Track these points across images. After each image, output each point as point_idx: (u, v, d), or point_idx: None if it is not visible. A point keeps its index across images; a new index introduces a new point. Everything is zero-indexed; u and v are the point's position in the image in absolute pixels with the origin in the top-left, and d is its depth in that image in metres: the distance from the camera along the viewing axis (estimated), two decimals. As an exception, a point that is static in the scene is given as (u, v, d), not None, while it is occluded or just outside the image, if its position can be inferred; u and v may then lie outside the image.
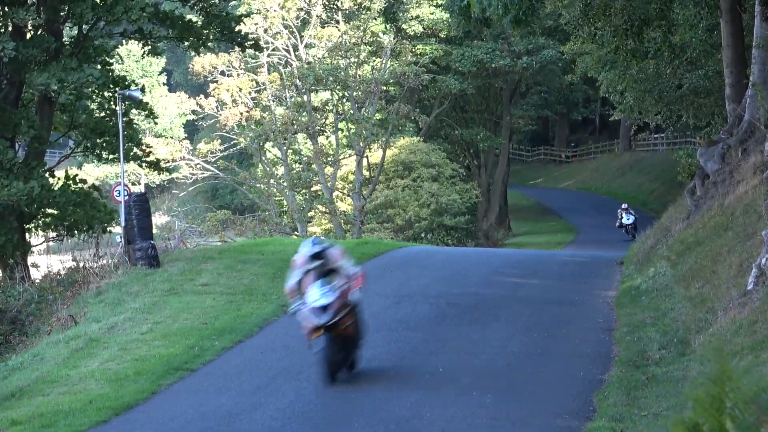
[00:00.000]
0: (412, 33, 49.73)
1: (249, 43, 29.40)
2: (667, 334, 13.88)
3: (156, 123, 34.22)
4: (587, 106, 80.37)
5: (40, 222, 26.93)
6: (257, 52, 37.17)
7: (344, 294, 12.77)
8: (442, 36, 50.93)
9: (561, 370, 13.27)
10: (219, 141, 49.96)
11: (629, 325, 15.22)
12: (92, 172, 67.32)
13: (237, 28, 28.63)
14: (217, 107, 48.42)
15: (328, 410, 11.80)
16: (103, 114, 29.38)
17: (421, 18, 49.81)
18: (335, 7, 48.80)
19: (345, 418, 11.49)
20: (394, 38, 49.02)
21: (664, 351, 13.16)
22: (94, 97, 29.11)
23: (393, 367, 13.66)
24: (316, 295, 12.56)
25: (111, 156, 28.84)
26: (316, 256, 12.71)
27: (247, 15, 48.16)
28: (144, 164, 29.85)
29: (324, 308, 12.47)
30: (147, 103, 30.99)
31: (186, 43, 28.36)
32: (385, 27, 49.13)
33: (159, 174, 34.48)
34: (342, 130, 48.18)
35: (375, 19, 48.46)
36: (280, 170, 49.71)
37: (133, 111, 29.79)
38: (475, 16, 23.87)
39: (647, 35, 27.78)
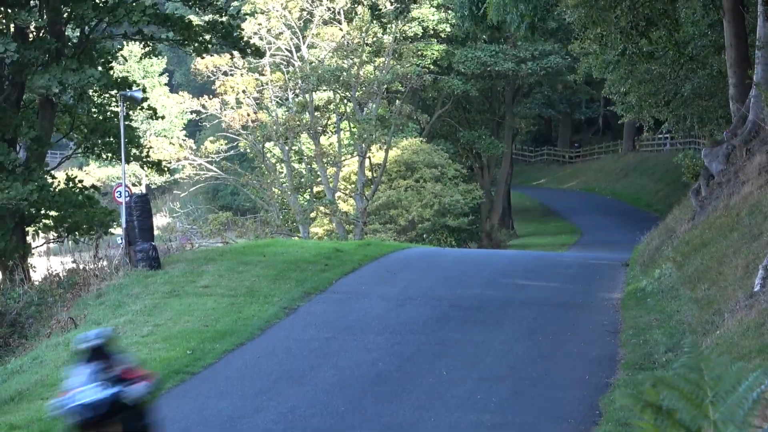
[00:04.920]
0: (413, 34, 49.56)
1: (250, 50, 29.31)
2: (674, 337, 13.73)
3: (163, 118, 34.05)
4: (590, 106, 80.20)
5: (41, 224, 26.80)
6: (258, 59, 37.04)
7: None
8: (443, 36, 50.76)
9: (566, 373, 13.13)
10: (225, 141, 49.87)
11: (635, 327, 15.08)
12: (94, 173, 67.23)
13: (238, 33, 28.52)
14: (220, 107, 48.29)
15: (330, 414, 11.66)
16: (104, 116, 29.27)
17: (422, 19, 49.65)
18: (333, 8, 48.67)
19: (348, 422, 11.35)
20: (395, 39, 48.86)
21: (671, 354, 13.01)
22: (95, 98, 28.99)
23: (396, 370, 13.52)
24: None
25: (112, 156, 28.72)
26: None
27: (252, 14, 48.20)
28: (145, 165, 29.75)
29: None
30: (152, 107, 30.93)
31: (189, 48, 28.27)
32: (380, 27, 48.97)
33: (161, 175, 34.37)
34: (344, 130, 48.06)
35: (373, 21, 48.32)
36: (283, 171, 49.60)
37: (134, 111, 29.67)
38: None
39: (653, 35, 27.64)
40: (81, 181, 28.27)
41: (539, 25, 23.90)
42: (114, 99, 28.60)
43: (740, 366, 3.32)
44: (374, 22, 47.83)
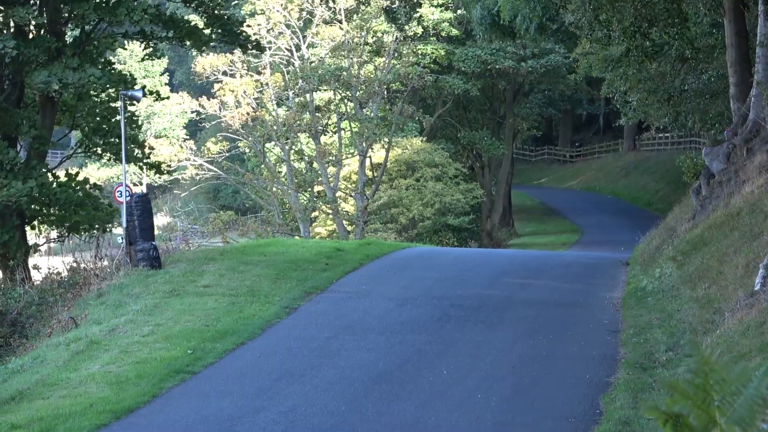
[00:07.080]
0: (413, 33, 49.55)
1: (251, 45, 29.27)
2: (674, 336, 13.73)
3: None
4: (591, 104, 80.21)
5: (43, 223, 26.79)
6: (259, 54, 37.05)
7: None
8: (443, 35, 50.75)
9: (567, 372, 13.13)
10: (225, 141, 49.88)
11: (635, 326, 15.08)
12: (94, 174, 67.26)
13: (239, 30, 28.49)
14: (220, 108, 48.28)
15: (331, 414, 11.67)
16: (105, 115, 29.27)
17: (423, 18, 49.64)
18: (335, 8, 48.65)
19: (348, 421, 11.36)
20: (395, 39, 48.85)
21: (671, 353, 13.02)
22: (95, 98, 28.98)
23: (397, 369, 13.52)
24: None
25: (113, 157, 28.71)
26: None
27: (252, 15, 48.21)
28: (146, 166, 29.73)
29: None
30: (153, 91, 30.85)
31: (188, 43, 28.26)
32: (387, 27, 48.97)
33: (160, 176, 34.36)
34: (345, 130, 48.06)
35: (376, 18, 48.28)
36: (283, 170, 49.63)
37: (132, 108, 29.62)
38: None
39: (657, 34, 27.61)
40: (85, 179, 28.22)
41: (547, 24, 24.02)
42: (115, 100, 28.58)
43: (744, 367, 3.31)
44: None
